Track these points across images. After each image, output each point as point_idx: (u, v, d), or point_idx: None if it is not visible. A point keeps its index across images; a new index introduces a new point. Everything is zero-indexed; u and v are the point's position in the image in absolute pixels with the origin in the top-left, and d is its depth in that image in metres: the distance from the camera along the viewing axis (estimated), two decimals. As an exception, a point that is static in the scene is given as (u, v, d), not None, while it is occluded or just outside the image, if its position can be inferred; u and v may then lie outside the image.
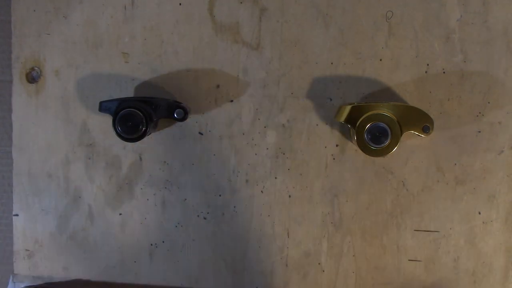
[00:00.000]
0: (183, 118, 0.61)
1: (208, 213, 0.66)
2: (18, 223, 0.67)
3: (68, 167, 0.66)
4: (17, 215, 0.67)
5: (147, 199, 0.66)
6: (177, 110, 0.61)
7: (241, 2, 0.64)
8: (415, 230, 0.64)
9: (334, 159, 0.64)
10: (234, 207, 0.66)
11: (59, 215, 0.67)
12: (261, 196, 0.65)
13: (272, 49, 0.64)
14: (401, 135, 0.58)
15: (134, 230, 0.66)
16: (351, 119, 0.59)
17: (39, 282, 0.67)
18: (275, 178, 0.65)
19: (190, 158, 0.65)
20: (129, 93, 0.65)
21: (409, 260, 0.64)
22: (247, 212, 0.66)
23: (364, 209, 0.64)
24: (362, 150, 0.58)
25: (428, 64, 0.63)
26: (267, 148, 0.65)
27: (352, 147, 0.64)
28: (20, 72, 0.65)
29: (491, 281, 0.64)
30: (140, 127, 0.59)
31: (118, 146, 0.66)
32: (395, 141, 0.58)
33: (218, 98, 0.65)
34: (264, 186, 0.65)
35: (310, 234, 0.65)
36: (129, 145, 0.66)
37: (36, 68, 0.65)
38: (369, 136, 0.58)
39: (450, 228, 0.64)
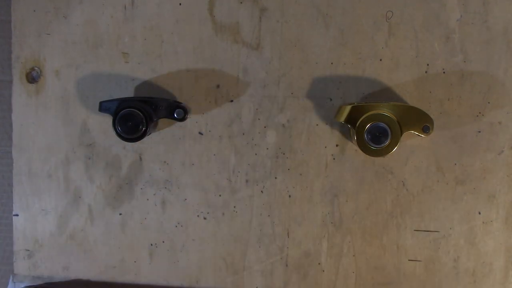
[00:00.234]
0: (183, 118, 0.61)
1: (208, 213, 0.66)
2: (18, 223, 0.67)
3: (68, 167, 0.66)
4: (17, 215, 0.67)
5: (147, 199, 0.66)
6: (177, 110, 0.61)
7: (241, 2, 0.64)
8: (415, 230, 0.64)
9: (334, 159, 0.64)
10: (234, 207, 0.66)
11: (59, 215, 0.67)
12: (261, 196, 0.65)
13: (272, 49, 0.64)
14: (401, 135, 0.58)
15: (134, 230, 0.66)
16: (351, 119, 0.59)
17: (39, 282, 0.67)
18: (275, 178, 0.65)
19: (190, 158, 0.65)
20: (129, 93, 0.65)
21: (409, 260, 0.64)
22: (247, 212, 0.66)
23: (364, 209, 0.64)
24: (362, 150, 0.58)
25: (428, 64, 0.63)
26: (267, 148, 0.65)
27: (352, 147, 0.64)
28: (20, 72, 0.65)
29: (491, 281, 0.64)
30: (140, 127, 0.59)
31: (118, 146, 0.66)
32: (395, 141, 0.58)
33: (218, 98, 0.65)
34: (264, 186, 0.65)
35: (310, 234, 0.65)
36: (129, 145, 0.66)
37: (36, 68, 0.65)
38: (369, 136, 0.58)
39: (450, 228, 0.64)
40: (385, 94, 0.63)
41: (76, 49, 0.65)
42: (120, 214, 0.66)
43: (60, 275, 0.67)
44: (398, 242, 0.64)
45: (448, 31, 0.62)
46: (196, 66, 0.65)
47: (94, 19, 0.65)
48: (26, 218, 0.67)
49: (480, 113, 0.63)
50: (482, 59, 0.62)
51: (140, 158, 0.66)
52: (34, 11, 0.65)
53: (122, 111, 0.59)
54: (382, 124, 0.58)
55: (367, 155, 0.59)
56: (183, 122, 0.62)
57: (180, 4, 0.64)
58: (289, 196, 0.65)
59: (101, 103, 0.61)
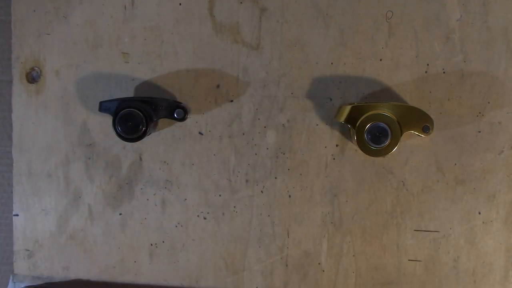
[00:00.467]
0: (183, 118, 0.61)
1: (208, 213, 0.66)
2: (18, 223, 0.67)
3: (68, 167, 0.66)
4: (17, 215, 0.67)
5: (147, 199, 0.66)
6: (177, 110, 0.61)
7: (241, 2, 0.64)
8: (415, 230, 0.64)
9: (334, 159, 0.64)
10: (234, 207, 0.66)
11: (59, 215, 0.67)
12: (261, 196, 0.65)
13: (272, 49, 0.64)
14: (401, 135, 0.58)
15: (134, 230, 0.66)
16: (351, 119, 0.59)
17: (39, 282, 0.67)
18: (275, 178, 0.65)
19: (190, 158, 0.65)
20: (129, 93, 0.65)
21: (409, 260, 0.64)
22: (247, 212, 0.66)
23: (364, 209, 0.64)
24: (362, 150, 0.58)
25: (428, 64, 0.63)
26: (267, 148, 0.65)
27: (352, 147, 0.64)
28: (20, 72, 0.65)
29: (491, 281, 0.64)
30: (140, 127, 0.59)
31: (118, 146, 0.66)
32: (395, 141, 0.58)
33: (218, 98, 0.65)
34: (264, 186, 0.65)
35: (310, 234, 0.65)
36: (129, 145, 0.66)
37: (36, 68, 0.65)
38: (369, 136, 0.58)
39: (450, 228, 0.64)
40: (385, 94, 0.63)
41: (76, 49, 0.65)
42: (120, 214, 0.66)
43: (60, 275, 0.67)
44: (398, 242, 0.64)
45: (448, 31, 0.62)
46: (196, 66, 0.65)
47: (94, 19, 0.65)
48: (26, 218, 0.67)
49: (480, 113, 0.63)
50: (482, 59, 0.62)
51: (140, 158, 0.66)
52: (34, 11, 0.65)
53: (122, 111, 0.59)
54: (382, 124, 0.58)
55: (367, 155, 0.59)
56: (183, 122, 0.62)
57: (180, 4, 0.64)
58: (289, 196, 0.65)
59: (101, 103, 0.61)
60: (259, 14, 0.64)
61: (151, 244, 0.67)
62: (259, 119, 0.65)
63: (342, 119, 0.59)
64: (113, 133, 0.60)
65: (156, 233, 0.66)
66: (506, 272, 0.64)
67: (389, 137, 0.58)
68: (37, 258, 0.67)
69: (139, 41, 0.65)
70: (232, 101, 0.65)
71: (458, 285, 0.64)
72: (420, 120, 0.59)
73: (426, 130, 0.59)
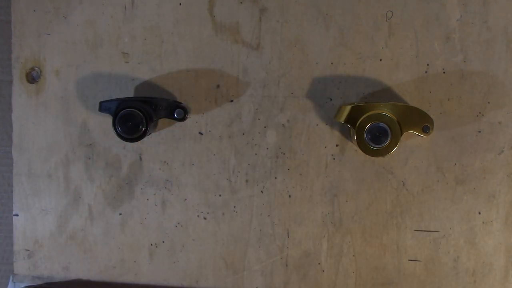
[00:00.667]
0: (183, 118, 0.61)
1: (208, 213, 0.66)
2: (18, 223, 0.67)
3: (68, 167, 0.66)
4: (17, 215, 0.67)
5: (147, 199, 0.66)
6: (177, 110, 0.61)
7: (241, 2, 0.64)
8: (415, 230, 0.64)
9: (334, 159, 0.64)
10: (234, 207, 0.66)
11: (59, 215, 0.67)
12: (261, 196, 0.65)
13: (272, 49, 0.64)
14: (401, 135, 0.58)
15: (134, 230, 0.66)
16: (351, 119, 0.59)
17: (39, 282, 0.67)
18: (275, 178, 0.65)
19: (190, 158, 0.65)
20: (129, 93, 0.65)
21: (409, 260, 0.64)
22: (247, 212, 0.66)
23: (364, 209, 0.64)
24: (362, 150, 0.58)
25: (428, 64, 0.63)
26: (267, 148, 0.65)
27: (352, 147, 0.64)
28: (20, 72, 0.65)
29: (491, 281, 0.64)
30: (140, 127, 0.59)
31: (118, 146, 0.66)
32: (395, 141, 0.58)
33: (218, 98, 0.65)
34: (264, 186, 0.65)
35: (310, 234, 0.65)
36: (129, 145, 0.66)
37: (36, 68, 0.65)
38: (369, 136, 0.58)
39: (450, 228, 0.64)
40: (385, 94, 0.63)
41: (76, 49, 0.65)
42: (120, 214, 0.66)
43: (60, 275, 0.67)
44: (398, 242, 0.64)
45: (448, 31, 0.62)
46: (196, 66, 0.65)
47: (94, 19, 0.65)
48: (26, 218, 0.67)
49: (480, 113, 0.63)
50: (482, 59, 0.62)
51: (140, 158, 0.66)
52: (34, 11, 0.65)
53: (122, 111, 0.59)
54: (382, 124, 0.58)
55: (367, 155, 0.59)
56: (183, 122, 0.62)
57: (180, 4, 0.64)
58: (289, 196, 0.65)
59: (101, 103, 0.61)
60: (259, 14, 0.64)
61: (151, 244, 0.67)
62: (259, 119, 0.65)
63: (342, 119, 0.59)
64: (113, 133, 0.60)
65: (156, 233, 0.66)
66: (506, 272, 0.64)
67: (389, 137, 0.58)
68: (37, 258, 0.67)
69: (139, 41, 0.65)
70: (232, 101, 0.65)
71: (458, 285, 0.64)
72: (420, 120, 0.59)
73: (426, 130, 0.59)
